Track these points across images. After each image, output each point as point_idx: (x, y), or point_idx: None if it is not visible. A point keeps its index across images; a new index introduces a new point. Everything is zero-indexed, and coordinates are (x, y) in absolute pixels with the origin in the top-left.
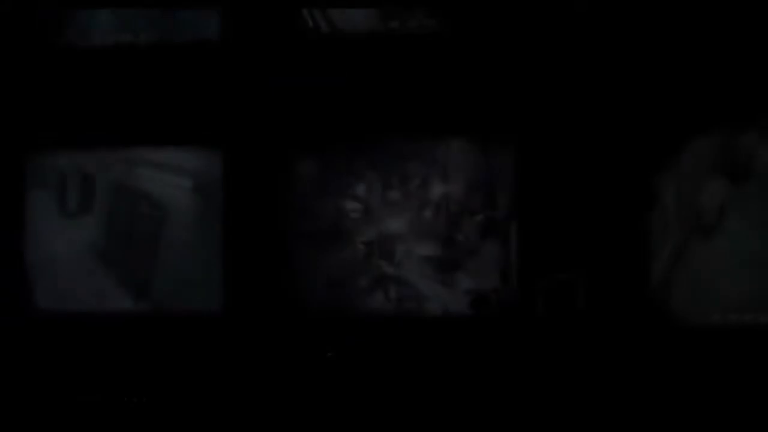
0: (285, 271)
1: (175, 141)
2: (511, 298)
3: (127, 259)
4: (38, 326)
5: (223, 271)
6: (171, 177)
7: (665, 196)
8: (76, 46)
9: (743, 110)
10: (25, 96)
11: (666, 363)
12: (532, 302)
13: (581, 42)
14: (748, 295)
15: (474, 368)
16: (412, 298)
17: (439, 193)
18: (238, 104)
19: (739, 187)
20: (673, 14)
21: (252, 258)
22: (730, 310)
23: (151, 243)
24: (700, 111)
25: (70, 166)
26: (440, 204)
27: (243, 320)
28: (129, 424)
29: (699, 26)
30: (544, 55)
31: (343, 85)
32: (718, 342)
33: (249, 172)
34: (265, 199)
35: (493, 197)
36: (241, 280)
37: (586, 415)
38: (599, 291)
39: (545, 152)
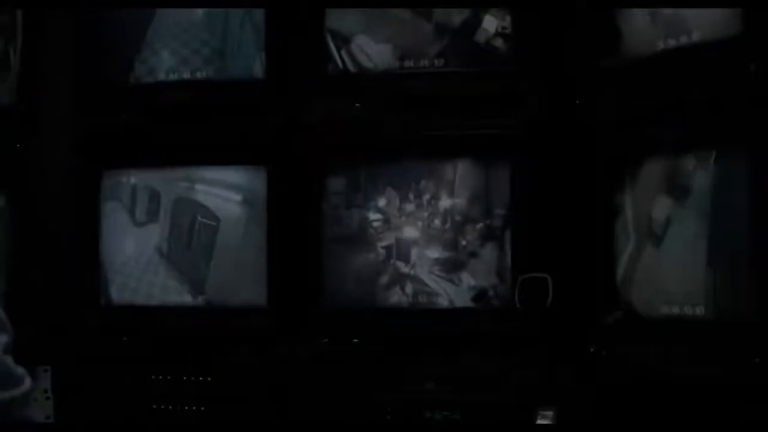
0: (319, 270)
1: (227, 161)
2: (505, 294)
3: (186, 260)
4: (112, 317)
5: (267, 271)
6: (223, 192)
7: (626, 211)
8: (144, 82)
9: (683, 144)
10: (103, 123)
11: (623, 346)
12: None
13: (561, 88)
14: (685, 292)
15: (475, 351)
16: (424, 293)
17: (446, 205)
18: (279, 130)
19: (680, 204)
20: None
21: (291, 259)
22: (673, 303)
23: (206, 247)
24: (652, 144)
25: (140, 182)
26: (447, 215)
27: (284, 312)
28: (189, 397)
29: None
30: (534, 96)
31: (366, 115)
32: (664, 329)
33: (289, 187)
34: (302, 210)
35: (491, 209)
36: (282, 278)
37: (553, 383)
38: (575, 287)
39: (534, 173)
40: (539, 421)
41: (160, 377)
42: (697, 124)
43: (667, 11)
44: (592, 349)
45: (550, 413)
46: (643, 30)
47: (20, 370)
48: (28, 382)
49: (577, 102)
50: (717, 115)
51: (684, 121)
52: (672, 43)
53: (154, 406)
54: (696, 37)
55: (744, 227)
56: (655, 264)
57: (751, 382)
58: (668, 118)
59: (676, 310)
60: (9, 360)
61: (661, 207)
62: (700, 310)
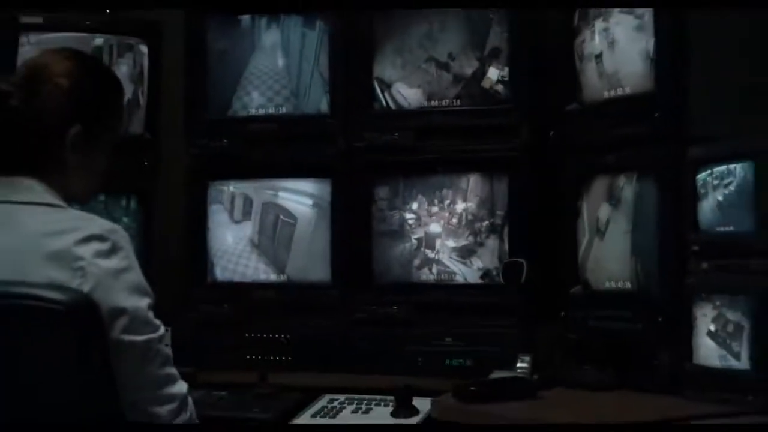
0: (369, 255)
1: (302, 175)
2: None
3: (272, 249)
4: (216, 292)
5: (332, 257)
6: (299, 197)
7: (583, 213)
8: (239, 115)
9: (617, 167)
10: (208, 146)
11: (582, 311)
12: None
13: (542, 123)
14: (619, 271)
15: (484, 315)
16: (445, 273)
17: (461, 208)
18: (340, 153)
19: (615, 209)
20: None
21: (350, 248)
22: (611, 280)
23: (287, 239)
24: (598, 167)
25: (237, 191)
26: (462, 215)
27: (344, 287)
28: (274, 350)
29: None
30: (524, 128)
31: (403, 142)
32: (607, 299)
33: (347, 194)
34: (357, 211)
35: (494, 211)
36: (342, 262)
37: (533, 337)
38: (551, 268)
39: (525, 185)
40: (519, 365)
41: (252, 335)
42: (625, 153)
43: (610, 70)
44: (561, 313)
45: (527, 358)
46: (594, 84)
47: (157, 321)
48: (162, 329)
49: (551, 134)
50: (637, 148)
51: (618, 151)
52: (612, 94)
53: (248, 357)
54: (627, 90)
55: (654, 227)
56: (600, 252)
57: (658, 334)
58: (608, 148)
59: (613, 284)
60: (150, 314)
61: (604, 211)
62: (627, 285)
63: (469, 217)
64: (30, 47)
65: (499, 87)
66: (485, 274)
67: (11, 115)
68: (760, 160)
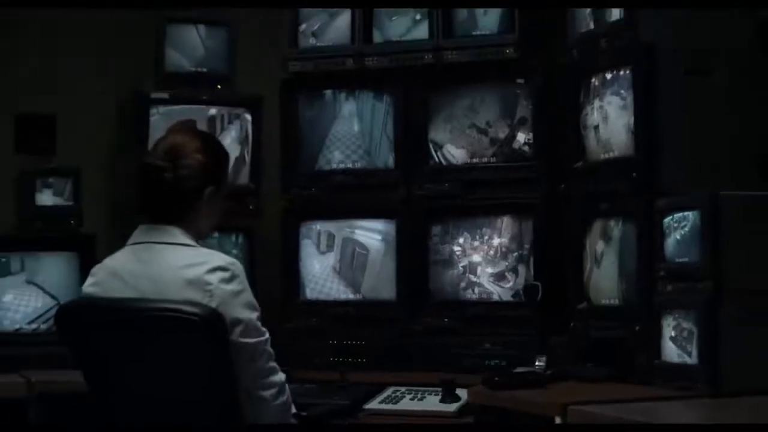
0: (426, 279)
1: (373, 216)
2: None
3: (350, 274)
4: (307, 308)
5: (397, 280)
6: (371, 234)
7: (586, 247)
8: (324, 169)
9: (609, 213)
10: (300, 194)
11: (586, 322)
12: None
13: (557, 177)
14: (610, 291)
15: (514, 326)
16: (485, 293)
17: (497, 242)
18: (403, 199)
19: (607, 245)
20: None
21: (410, 273)
22: (605, 298)
23: (361, 266)
24: (596, 212)
25: (322, 228)
26: (497, 248)
27: (407, 304)
28: (351, 353)
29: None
30: (544, 180)
31: (451, 191)
32: (603, 312)
33: (408, 232)
34: (416, 245)
35: (522, 245)
36: (405, 284)
37: (549, 343)
38: (560, 289)
39: (545, 225)
40: (537, 363)
41: (335, 342)
42: (614, 203)
43: (604, 138)
44: (572, 324)
45: (544, 358)
46: (593, 148)
47: (264, 329)
48: (267, 334)
49: (562, 186)
50: (622, 198)
51: (609, 200)
52: (606, 156)
53: (331, 359)
54: (616, 153)
55: (633, 258)
56: (598, 277)
57: (636, 339)
58: (603, 198)
59: (607, 301)
60: (259, 324)
61: (600, 246)
62: (615, 301)
63: (503, 249)
64: (158, 117)
65: (526, 148)
66: (515, 294)
67: (163, 182)
68: (703, 210)
